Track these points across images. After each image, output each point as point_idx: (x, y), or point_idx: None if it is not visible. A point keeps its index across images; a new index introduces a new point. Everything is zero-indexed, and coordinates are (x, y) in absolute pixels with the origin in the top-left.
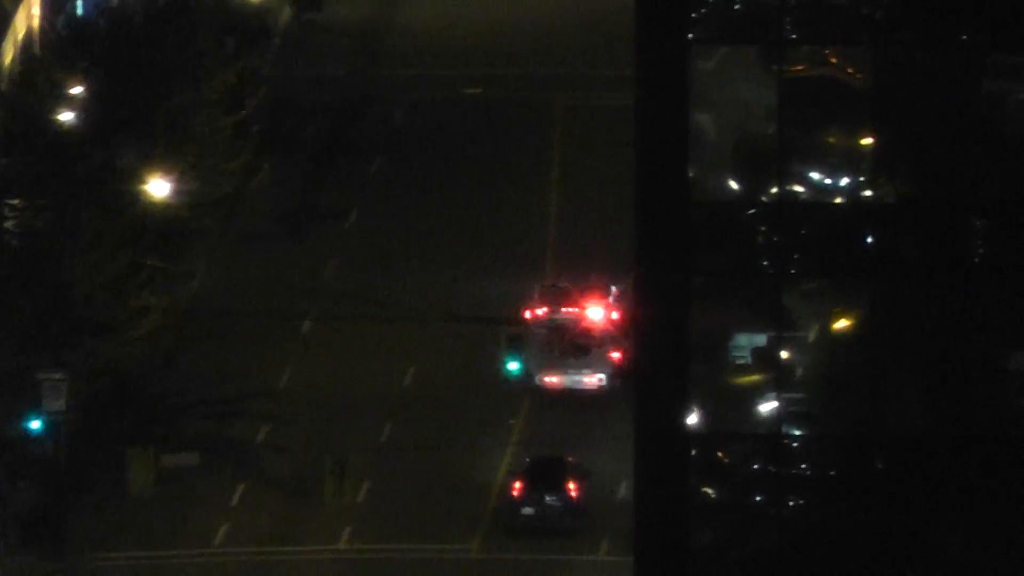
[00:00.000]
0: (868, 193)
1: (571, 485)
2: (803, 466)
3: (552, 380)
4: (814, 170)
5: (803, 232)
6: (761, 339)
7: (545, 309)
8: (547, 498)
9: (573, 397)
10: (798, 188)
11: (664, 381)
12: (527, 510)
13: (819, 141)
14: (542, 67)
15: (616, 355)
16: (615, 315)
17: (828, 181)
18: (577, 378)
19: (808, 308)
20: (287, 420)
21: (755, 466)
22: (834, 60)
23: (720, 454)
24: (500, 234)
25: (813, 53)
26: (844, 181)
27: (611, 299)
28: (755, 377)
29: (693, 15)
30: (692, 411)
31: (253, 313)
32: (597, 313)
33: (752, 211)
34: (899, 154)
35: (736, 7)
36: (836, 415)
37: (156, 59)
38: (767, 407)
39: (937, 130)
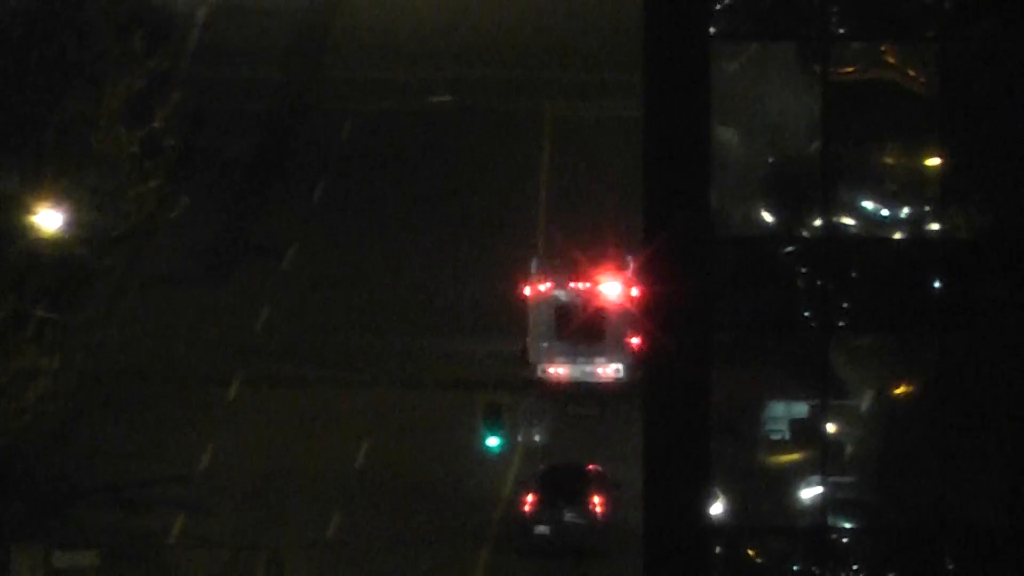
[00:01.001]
0: (935, 226)
1: (595, 499)
2: (855, 567)
3: (558, 371)
4: (868, 197)
5: (854, 275)
6: (802, 409)
7: (549, 284)
8: (566, 514)
9: (584, 391)
10: (848, 220)
11: (680, 462)
12: (541, 529)
13: (873, 161)
14: (525, 70)
15: (636, 340)
16: (634, 291)
17: (885, 211)
18: (589, 368)
19: (861, 369)
20: (208, 509)
21: (795, 567)
22: (891, 60)
23: (751, 552)
24: (473, 279)
25: (865, 51)
26: (905, 211)
27: (629, 272)
28: (794, 456)
29: (716, 5)
30: (715, 499)
31: (167, 375)
32: (613, 289)
33: (790, 249)
34: (973, 177)
35: None
36: (896, 503)
37: (44, 60)
38: (809, 494)
39: (1020, 147)
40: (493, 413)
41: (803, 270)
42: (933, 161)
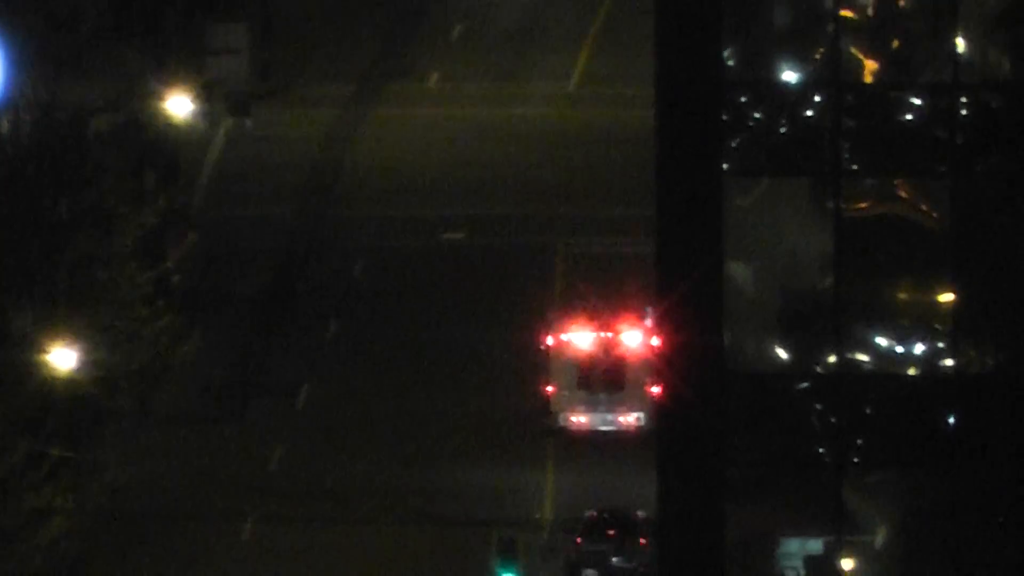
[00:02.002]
0: (948, 362)
1: (641, 543)
2: None
3: (580, 420)
4: (881, 333)
5: (868, 411)
6: (816, 545)
7: (571, 334)
8: (614, 559)
9: (605, 441)
10: (861, 356)
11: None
12: (589, 573)
13: (886, 297)
14: (538, 206)
15: (656, 389)
16: (655, 340)
17: (898, 348)
18: (610, 417)
19: (876, 506)
20: None
21: None
22: (904, 195)
23: None
24: (488, 414)
25: (877, 187)
26: (918, 348)
27: (648, 322)
28: None
29: (730, 142)
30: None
31: (182, 513)
32: (633, 338)
33: (804, 385)
34: (985, 313)
35: (782, 130)
36: None
37: (56, 199)
38: None
39: None
40: (507, 548)
41: (817, 406)
42: (946, 297)
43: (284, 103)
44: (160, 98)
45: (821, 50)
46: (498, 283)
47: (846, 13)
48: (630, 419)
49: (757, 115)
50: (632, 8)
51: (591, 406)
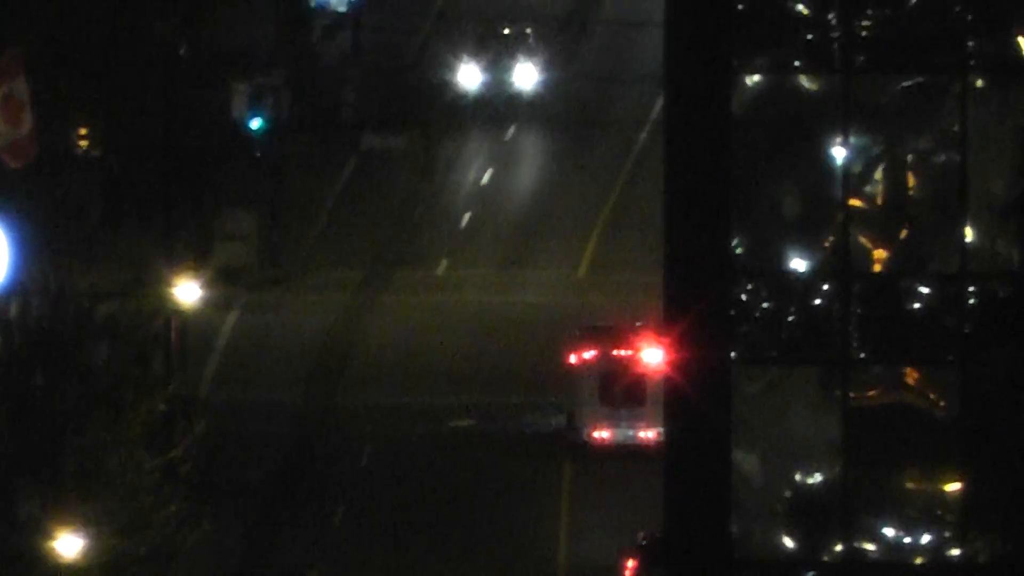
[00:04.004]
0: (955, 552)
1: None
2: None
3: (602, 435)
4: (888, 523)
5: None
6: None
7: (593, 352)
8: None
9: (627, 455)
10: (868, 545)
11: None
12: None
13: (894, 486)
14: (547, 394)
15: None
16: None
17: (906, 537)
18: (631, 433)
19: None
20: None
21: None
22: (912, 383)
23: None
24: None
25: (886, 374)
26: (925, 537)
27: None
28: None
29: (740, 331)
30: None
31: None
32: (653, 356)
33: (811, 574)
34: (994, 503)
35: (791, 319)
36: None
37: (64, 385)
38: None
39: None
40: None
41: None
42: (954, 486)
43: (292, 288)
44: (169, 284)
45: (830, 239)
46: (507, 470)
47: (855, 202)
48: (650, 434)
49: (766, 304)
50: (641, 196)
51: (613, 421)
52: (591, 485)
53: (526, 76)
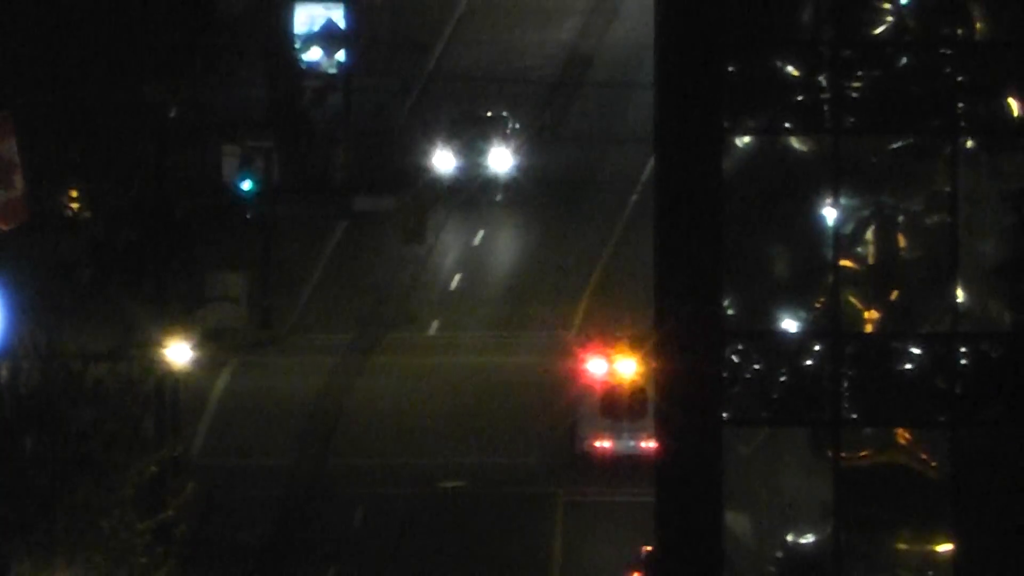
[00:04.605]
0: None
1: None
2: None
3: (603, 445)
4: None
5: None
6: None
7: (598, 363)
8: None
9: (628, 465)
10: None
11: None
12: None
13: (885, 547)
14: (539, 455)
15: None
16: None
17: None
18: (632, 443)
19: None
20: None
21: None
22: (903, 443)
23: None
24: None
25: (877, 435)
26: None
27: None
28: None
29: (731, 392)
30: None
31: None
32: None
33: None
34: (985, 563)
35: (781, 380)
36: None
37: (55, 448)
38: None
39: None
40: None
41: None
42: (945, 548)
43: (283, 350)
44: (160, 345)
45: (821, 299)
46: (499, 532)
47: (846, 263)
48: (651, 445)
49: (757, 365)
50: (633, 258)
51: (614, 432)
52: (584, 544)
53: (501, 160)
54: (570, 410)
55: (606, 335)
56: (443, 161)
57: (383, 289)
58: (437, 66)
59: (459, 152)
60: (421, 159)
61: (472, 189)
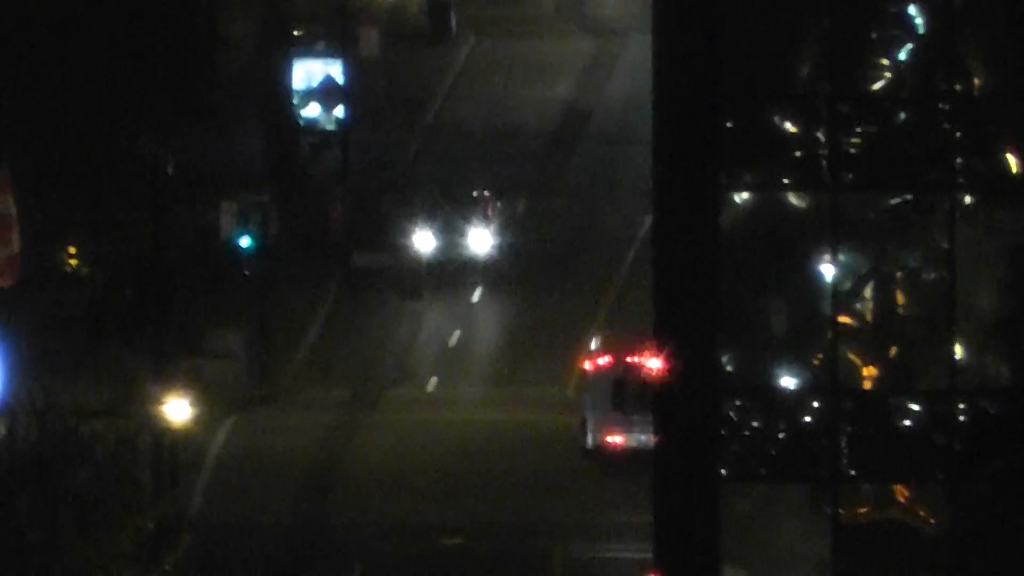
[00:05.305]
0: None
1: None
2: None
3: (615, 440)
4: None
5: None
6: None
7: (608, 359)
8: None
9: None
10: None
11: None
12: None
13: None
14: (539, 512)
15: None
16: None
17: None
18: (643, 438)
19: None
20: None
21: None
22: (902, 500)
23: None
24: None
25: (876, 492)
26: None
27: None
28: None
29: (728, 449)
30: None
31: None
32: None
33: None
34: None
35: (779, 436)
36: None
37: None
38: None
39: None
40: None
41: None
42: None
43: (281, 407)
44: (158, 402)
45: (819, 356)
46: None
47: (844, 319)
48: None
49: (755, 422)
50: (631, 314)
51: (625, 427)
52: None
53: (480, 242)
54: (578, 406)
55: (620, 332)
56: (423, 241)
57: (381, 345)
58: (436, 121)
59: (439, 233)
60: (401, 237)
61: (450, 271)
